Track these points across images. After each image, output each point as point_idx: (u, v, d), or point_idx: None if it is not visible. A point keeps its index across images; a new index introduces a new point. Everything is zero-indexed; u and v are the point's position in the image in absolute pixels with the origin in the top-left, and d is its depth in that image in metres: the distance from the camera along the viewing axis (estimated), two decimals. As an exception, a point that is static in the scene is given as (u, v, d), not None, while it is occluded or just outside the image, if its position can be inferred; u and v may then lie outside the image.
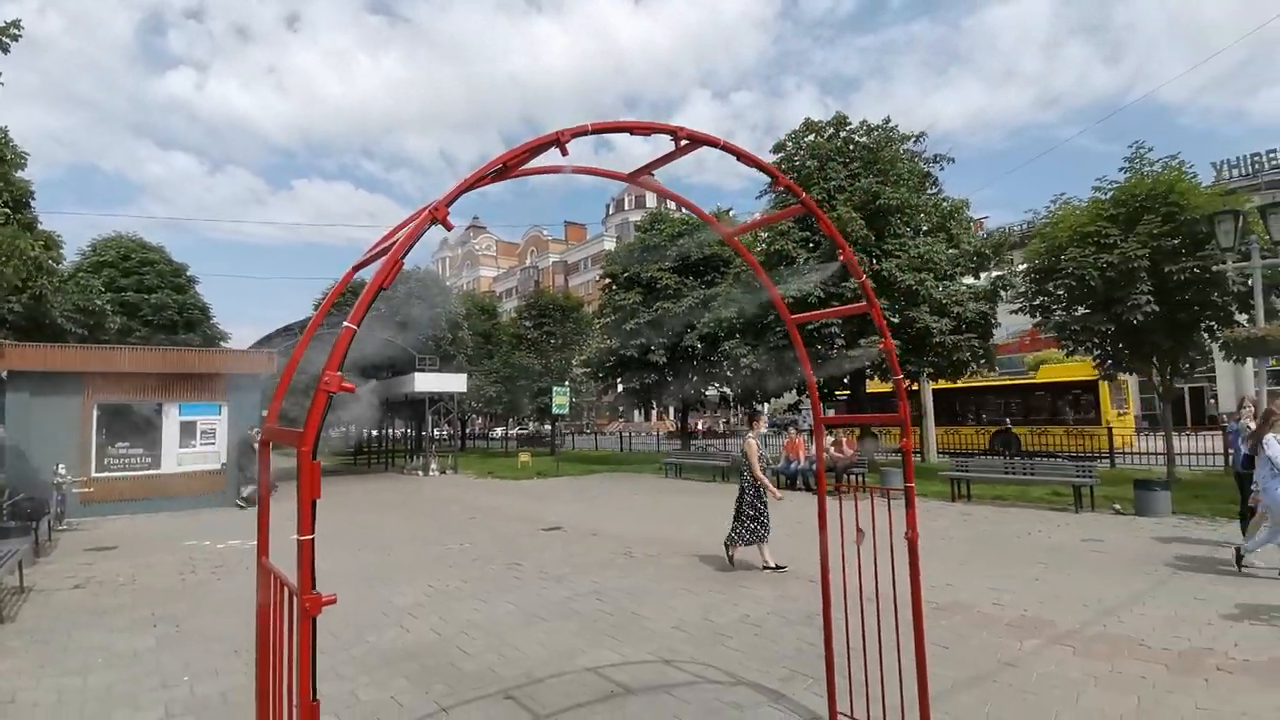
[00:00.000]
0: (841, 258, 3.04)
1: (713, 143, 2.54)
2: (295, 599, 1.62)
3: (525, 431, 48.56)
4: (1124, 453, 18.60)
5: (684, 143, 2.49)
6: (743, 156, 2.65)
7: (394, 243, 1.78)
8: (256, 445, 17.31)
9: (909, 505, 3.31)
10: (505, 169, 2.02)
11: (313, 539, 1.61)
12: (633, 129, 2.28)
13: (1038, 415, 22.57)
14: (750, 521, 7.55)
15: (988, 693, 4.14)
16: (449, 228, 1.83)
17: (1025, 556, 7.86)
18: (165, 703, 4.37)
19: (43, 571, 8.41)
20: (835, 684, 3.66)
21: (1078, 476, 11.38)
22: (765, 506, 7.61)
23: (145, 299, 24.78)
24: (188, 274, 27.63)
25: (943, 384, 18.93)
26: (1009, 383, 22.63)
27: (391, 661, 5.03)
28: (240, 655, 5.14)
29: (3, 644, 5.58)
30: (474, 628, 5.77)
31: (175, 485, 15.14)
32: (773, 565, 7.42)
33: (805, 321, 3.76)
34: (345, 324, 1.64)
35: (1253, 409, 8.03)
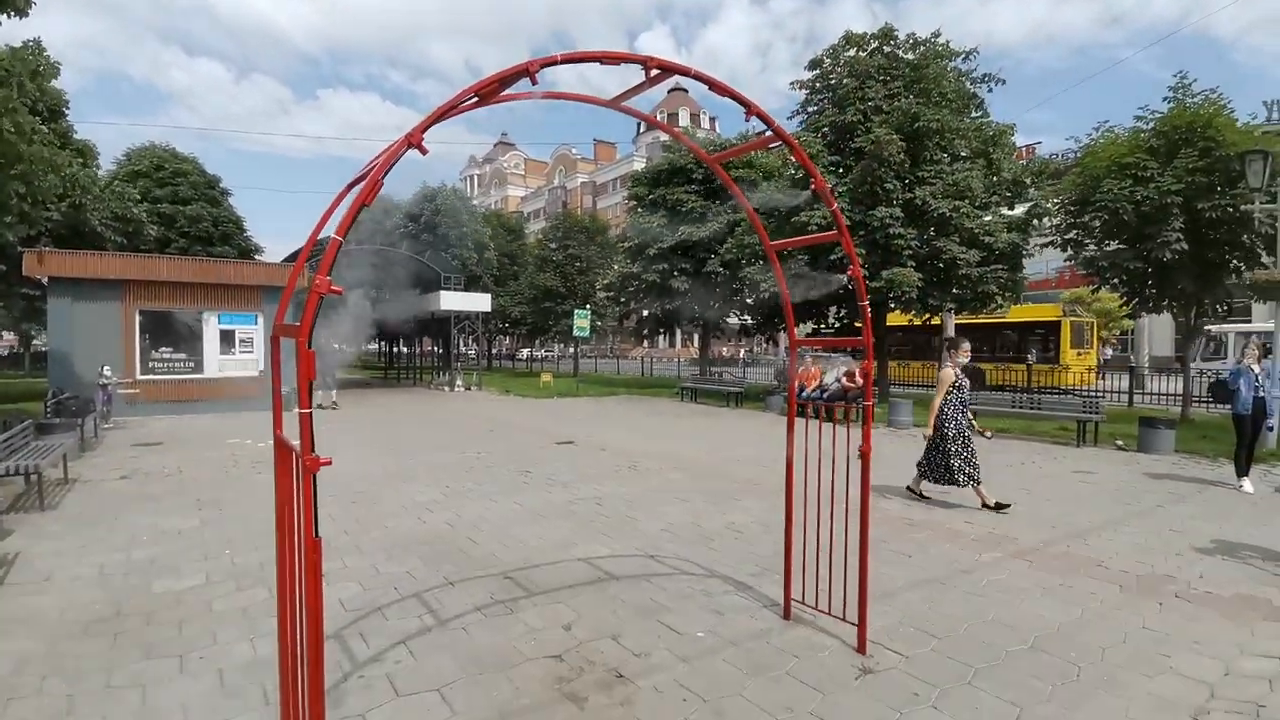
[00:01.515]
0: (814, 186, 3.20)
1: (684, 71, 2.69)
2: (299, 460, 1.99)
3: (550, 354, 49.52)
4: (1069, 390, 19.60)
5: (655, 72, 2.64)
6: (714, 85, 2.79)
7: (375, 166, 2.04)
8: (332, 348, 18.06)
9: (865, 423, 3.60)
10: (479, 98, 2.23)
11: (310, 412, 1.96)
12: (602, 59, 2.45)
13: (1005, 353, 23.50)
14: (937, 454, 7.03)
15: (934, 593, 4.54)
16: (424, 152, 2.07)
17: (1012, 484, 8.15)
18: (206, 571, 4.98)
19: (89, 464, 9.13)
20: (791, 575, 4.08)
21: (1083, 412, 11.52)
22: (970, 442, 7.00)
23: (180, 210, 25.41)
24: (221, 187, 28.12)
25: (916, 320, 19.04)
26: (980, 321, 22.76)
27: (408, 545, 5.62)
28: (275, 535, 5.77)
29: (42, 529, 6.00)
30: (482, 521, 6.36)
31: (217, 389, 16.10)
32: (992, 504, 6.84)
33: (784, 248, 3.95)
34: (332, 235, 1.93)
35: (1257, 351, 8.00)
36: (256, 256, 29.03)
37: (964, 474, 6.87)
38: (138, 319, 15.19)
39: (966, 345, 7.31)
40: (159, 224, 23.95)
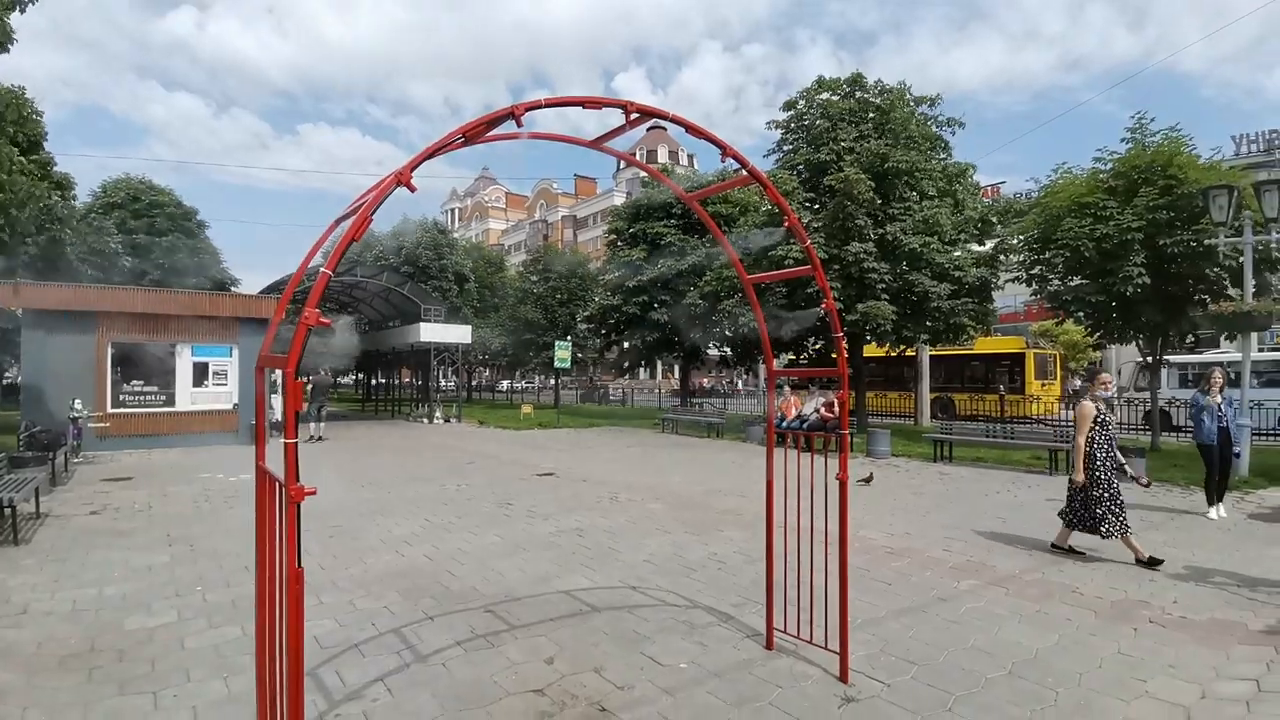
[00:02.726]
0: (786, 224, 3.33)
1: (662, 115, 2.82)
2: (283, 490, 2.01)
3: (530, 385, 49.37)
4: (1039, 419, 20.27)
5: (634, 116, 2.76)
6: (691, 129, 2.92)
7: (364, 202, 2.10)
8: (309, 382, 17.78)
9: (841, 451, 3.68)
10: (466, 139, 2.32)
11: (296, 442, 1.98)
12: (585, 103, 2.56)
13: (973, 384, 24.30)
14: (1080, 500, 6.24)
15: (915, 620, 4.58)
16: (412, 190, 2.14)
17: (987, 512, 8.28)
18: (178, 608, 4.87)
19: (59, 499, 8.91)
20: (774, 605, 4.11)
21: (1055, 441, 11.75)
22: (1117, 488, 6.14)
23: (156, 241, 25.16)
24: (198, 218, 27.94)
25: (891, 351, 19.58)
26: (949, 353, 23.46)
27: (386, 580, 5.54)
28: (250, 571, 5.62)
29: (17, 563, 5.92)
30: (463, 555, 6.29)
31: (189, 423, 15.78)
32: (1145, 558, 5.98)
33: (761, 282, 4.06)
34: (322, 269, 1.98)
35: (1221, 382, 8.22)
36: (232, 288, 28.74)
37: (1108, 524, 6.04)
38: (109, 351, 14.92)
39: (1105, 375, 6.51)
40: (134, 255, 23.67)
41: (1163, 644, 4.20)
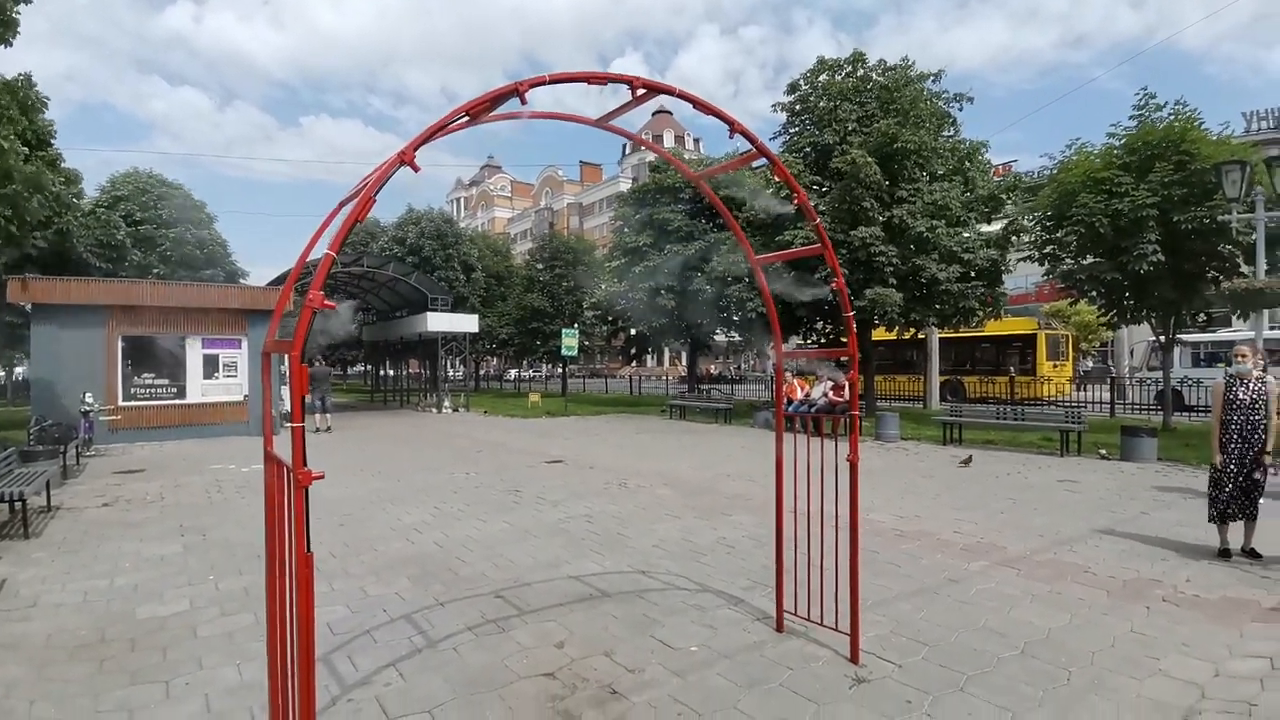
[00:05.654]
0: (796, 201, 3.28)
1: (668, 90, 2.76)
2: (291, 475, 2.00)
3: (537, 374, 49.50)
4: (1050, 401, 20.59)
5: (641, 92, 2.71)
6: (698, 104, 2.87)
7: (367, 184, 2.07)
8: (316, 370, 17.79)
9: (852, 431, 3.64)
10: (470, 117, 2.28)
11: (303, 426, 1.97)
12: (590, 79, 2.51)
13: (984, 366, 24.20)
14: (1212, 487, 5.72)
15: (926, 602, 4.56)
16: (416, 169, 2.11)
17: (998, 494, 8.24)
18: (190, 597, 4.90)
19: (71, 492, 8.97)
20: (783, 588, 4.09)
21: (1066, 422, 11.66)
22: (1223, 469, 5.58)
23: (165, 234, 25.15)
24: (206, 211, 27.96)
25: (904, 334, 19.36)
26: (959, 335, 23.27)
27: (396, 566, 5.57)
28: (263, 559, 5.68)
29: (27, 556, 5.92)
30: (472, 542, 6.31)
31: (200, 414, 15.89)
32: (1221, 549, 5.63)
33: (770, 261, 4.02)
34: (326, 251, 1.96)
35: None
36: (241, 280, 28.80)
37: (1213, 507, 5.67)
38: (120, 345, 15.01)
39: (1240, 347, 5.83)
40: (142, 249, 23.71)
41: (1176, 623, 4.20)
